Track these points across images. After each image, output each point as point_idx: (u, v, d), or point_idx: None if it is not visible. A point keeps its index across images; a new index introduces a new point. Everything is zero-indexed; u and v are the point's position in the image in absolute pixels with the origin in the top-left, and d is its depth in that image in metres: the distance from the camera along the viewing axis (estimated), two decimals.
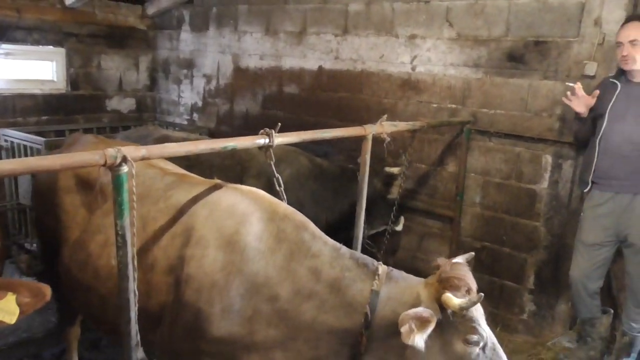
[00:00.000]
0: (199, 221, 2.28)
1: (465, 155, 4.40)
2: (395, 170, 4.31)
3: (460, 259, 2.23)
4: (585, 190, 3.63)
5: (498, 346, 2.03)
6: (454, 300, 1.92)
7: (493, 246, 4.40)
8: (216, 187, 2.42)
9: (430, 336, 1.93)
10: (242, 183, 2.97)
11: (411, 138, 4.54)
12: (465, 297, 1.95)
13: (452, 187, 4.55)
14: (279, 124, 2.52)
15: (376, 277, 2.10)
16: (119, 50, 6.57)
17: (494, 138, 4.29)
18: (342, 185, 4.34)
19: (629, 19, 3.38)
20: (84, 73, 6.28)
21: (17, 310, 1.92)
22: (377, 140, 3.35)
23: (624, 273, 3.62)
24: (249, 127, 5.67)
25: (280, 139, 2.55)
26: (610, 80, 3.51)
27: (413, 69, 4.67)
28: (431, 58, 4.55)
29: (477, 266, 4.50)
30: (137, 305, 2.03)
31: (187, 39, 6.50)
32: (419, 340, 1.92)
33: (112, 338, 2.90)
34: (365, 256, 2.24)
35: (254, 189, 2.47)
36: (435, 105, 4.58)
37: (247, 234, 2.20)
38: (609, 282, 3.85)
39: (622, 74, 3.48)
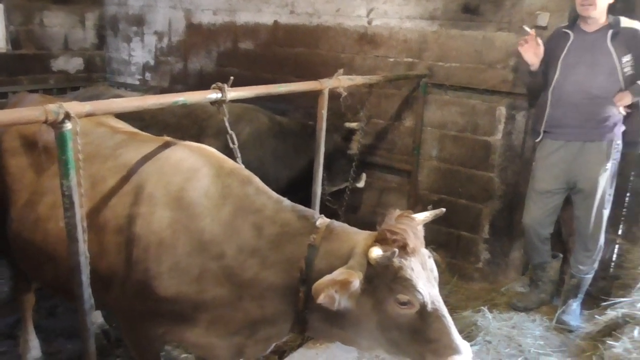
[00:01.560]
0: (148, 179, 2.23)
1: (422, 109, 4.42)
2: (354, 125, 4.31)
3: (423, 215, 2.16)
4: (537, 140, 3.71)
5: (443, 312, 1.89)
6: (372, 253, 1.85)
7: (450, 198, 4.48)
8: (166, 145, 2.36)
9: (363, 293, 1.87)
10: (199, 142, 2.91)
11: (368, 93, 4.53)
12: (392, 251, 1.82)
13: (409, 142, 4.58)
14: (232, 77, 2.45)
15: (315, 231, 2.04)
16: (63, 6, 6.21)
17: (449, 91, 4.31)
18: (302, 142, 4.31)
19: None
20: (25, 31, 5.93)
21: None
22: (335, 96, 3.33)
23: (572, 219, 3.76)
24: (204, 85, 5.33)
25: (234, 93, 2.49)
26: (563, 30, 3.54)
27: (369, 22, 4.61)
28: (387, 11, 4.49)
29: (434, 218, 4.59)
30: (89, 267, 1.98)
31: None
32: (344, 302, 1.86)
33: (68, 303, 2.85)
34: (306, 209, 2.19)
35: (203, 145, 2.42)
36: (392, 60, 4.55)
37: (194, 189, 2.17)
38: (558, 228, 4.01)
39: (574, 23, 3.52)
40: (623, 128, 3.48)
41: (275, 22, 5.16)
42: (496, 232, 4.32)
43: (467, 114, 4.26)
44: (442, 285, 4.29)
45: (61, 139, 1.83)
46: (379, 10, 4.53)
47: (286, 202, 2.21)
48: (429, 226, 4.73)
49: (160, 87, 6.10)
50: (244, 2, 5.30)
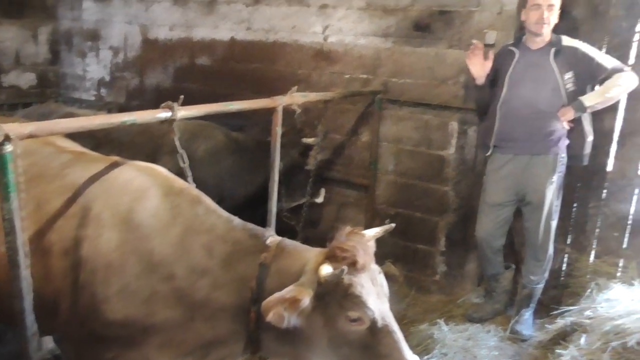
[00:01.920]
0: (95, 200, 2.19)
1: (377, 124, 4.48)
2: (310, 140, 4.33)
3: (373, 231, 2.19)
4: (487, 154, 3.81)
5: (393, 327, 1.92)
6: (322, 271, 1.86)
7: (407, 212, 4.54)
8: (114, 165, 2.33)
9: (314, 310, 1.88)
10: (155, 161, 2.88)
11: (325, 109, 4.57)
12: (341, 269, 1.84)
13: (366, 156, 4.63)
14: (182, 96, 2.44)
15: (266, 249, 2.05)
16: (15, 21, 6.08)
17: (404, 107, 4.39)
18: (259, 158, 4.30)
19: None
20: None
21: None
22: (289, 112, 3.35)
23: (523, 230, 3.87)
24: (161, 101, 5.29)
25: (184, 112, 2.48)
26: (508, 48, 3.67)
27: (325, 39, 4.67)
28: (342, 28, 4.56)
29: (392, 232, 4.58)
30: (32, 293, 1.93)
31: (90, 8, 6.12)
32: (294, 320, 1.86)
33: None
34: (257, 227, 2.19)
35: (152, 165, 2.40)
36: (348, 76, 4.61)
37: (142, 210, 2.14)
38: (511, 239, 4.11)
39: (519, 41, 3.66)
40: (567, 142, 3.62)
41: (232, 38, 5.17)
42: (452, 244, 4.40)
43: (422, 128, 4.35)
44: (401, 298, 4.38)
45: (1, 162, 1.78)
46: (334, 27, 4.60)
47: (237, 220, 2.21)
48: (386, 240, 4.80)
49: (117, 102, 6.01)
50: (201, 18, 5.30)
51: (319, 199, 4.63)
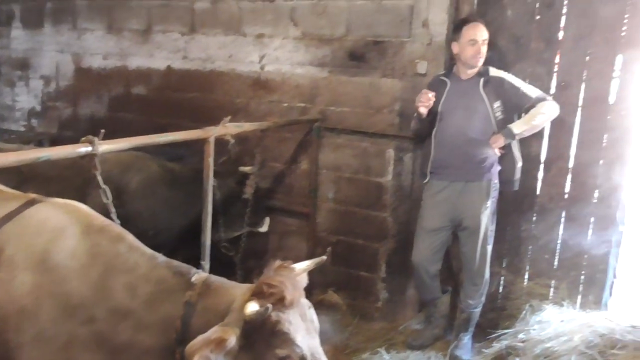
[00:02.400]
0: (7, 241, 2.05)
1: (316, 152, 4.49)
2: (247, 169, 4.28)
3: (304, 264, 2.12)
4: (424, 181, 3.88)
5: None
6: (247, 309, 1.79)
7: (348, 239, 4.54)
8: (29, 203, 2.20)
9: (241, 349, 1.81)
10: (84, 195, 2.77)
11: (263, 137, 4.55)
12: (265, 306, 1.78)
13: (306, 184, 4.62)
14: (103, 130, 2.36)
15: (192, 287, 1.97)
16: None
17: (342, 134, 4.43)
18: (196, 189, 4.18)
19: (471, 20, 3.64)
20: None
21: None
22: (222, 143, 3.31)
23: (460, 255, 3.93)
24: (96, 131, 5.25)
25: (106, 146, 2.39)
26: (440, 78, 3.78)
27: (262, 68, 4.67)
28: (279, 57, 4.59)
29: (334, 260, 4.64)
30: None
31: (19, 37, 5.91)
32: None
33: None
34: (182, 264, 2.11)
35: (70, 201, 2.29)
36: (286, 105, 4.62)
37: (59, 250, 2.02)
38: (449, 264, 4.17)
39: (450, 71, 3.77)
40: (499, 168, 3.73)
41: (169, 67, 5.10)
42: (393, 270, 4.42)
43: (360, 156, 4.39)
44: (344, 327, 4.34)
45: None
46: (271, 56, 4.61)
47: (161, 258, 2.12)
48: (329, 268, 4.77)
49: (48, 133, 5.78)
50: (135, 47, 5.21)
51: (264, 229, 4.56)
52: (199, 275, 2.05)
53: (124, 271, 2.02)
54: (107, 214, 2.41)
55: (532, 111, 3.58)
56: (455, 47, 3.66)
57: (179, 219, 4.19)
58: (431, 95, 3.55)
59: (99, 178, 2.39)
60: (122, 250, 2.08)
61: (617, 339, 2.75)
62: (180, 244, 4.02)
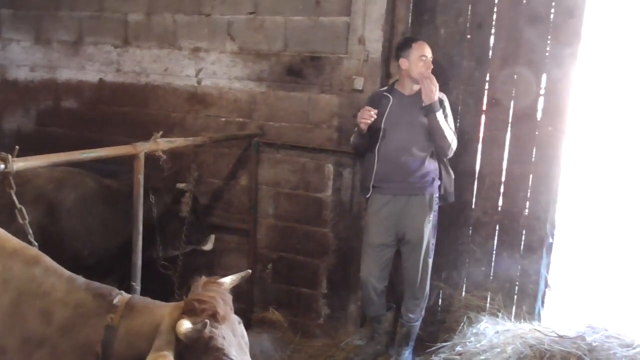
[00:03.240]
0: None
1: (255, 168, 4.42)
2: (182, 186, 4.15)
3: (230, 278, 2.08)
4: (367, 196, 3.87)
5: None
6: (181, 327, 1.71)
7: (288, 255, 4.48)
8: None
9: None
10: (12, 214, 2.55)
11: (200, 153, 4.45)
12: (202, 322, 1.72)
13: (246, 200, 4.53)
14: (17, 147, 2.21)
15: (113, 310, 1.87)
16: None
17: (281, 150, 4.38)
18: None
19: (415, 40, 3.71)
20: None
21: None
22: (153, 158, 3.19)
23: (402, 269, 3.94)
24: (22, 147, 4.99)
25: (22, 164, 2.24)
26: (383, 93, 3.80)
27: (199, 82, 4.57)
28: (216, 71, 4.50)
29: (275, 277, 4.56)
30: None
31: None
32: None
33: None
34: (103, 286, 2.00)
35: None
36: (224, 119, 4.53)
37: None
38: (391, 280, 4.17)
39: (392, 87, 3.81)
40: (439, 182, 3.78)
41: (101, 80, 4.91)
42: (334, 286, 4.38)
43: (299, 171, 4.35)
44: (285, 344, 4.26)
45: None
46: (208, 70, 4.52)
47: (80, 280, 1.99)
48: (270, 285, 4.67)
49: None
50: (65, 59, 4.99)
51: (208, 247, 4.40)
52: (121, 297, 1.95)
53: (38, 296, 1.89)
54: (41, 233, 2.26)
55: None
56: (404, 63, 3.69)
57: (116, 238, 4.00)
58: (373, 113, 3.57)
59: (14, 197, 2.24)
60: (37, 274, 1.94)
61: (546, 349, 2.82)
62: (117, 264, 3.85)
